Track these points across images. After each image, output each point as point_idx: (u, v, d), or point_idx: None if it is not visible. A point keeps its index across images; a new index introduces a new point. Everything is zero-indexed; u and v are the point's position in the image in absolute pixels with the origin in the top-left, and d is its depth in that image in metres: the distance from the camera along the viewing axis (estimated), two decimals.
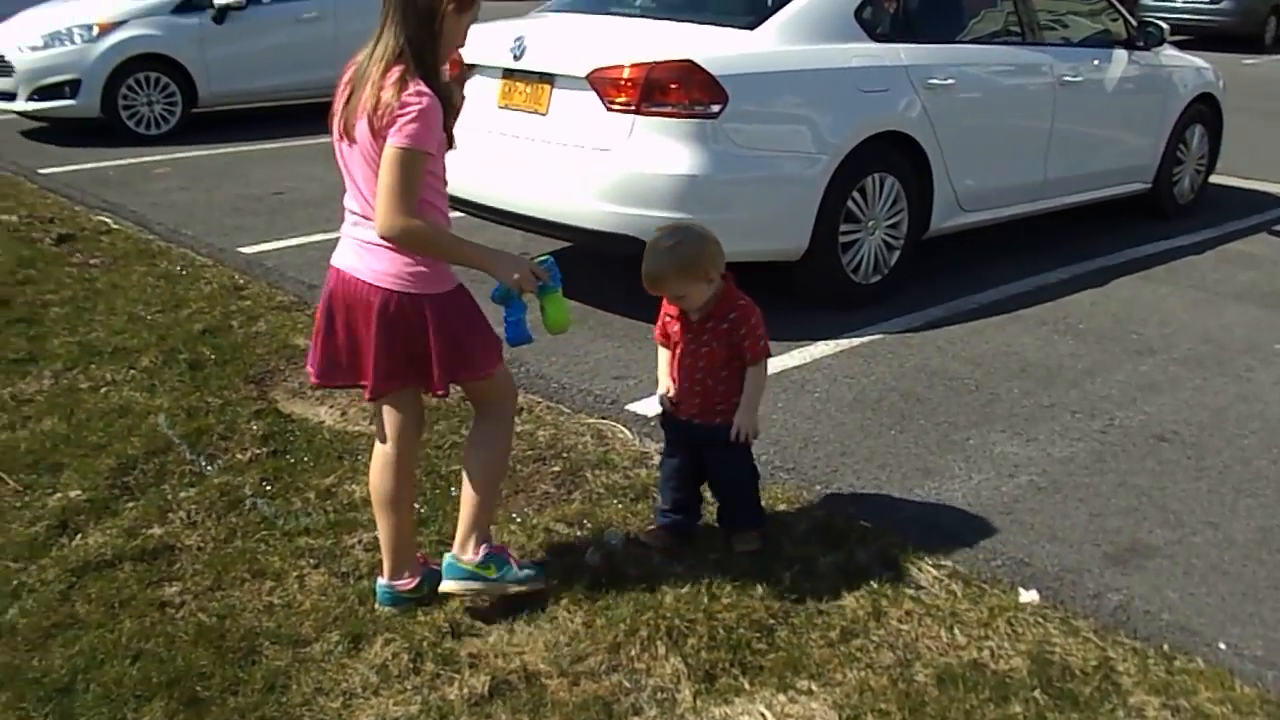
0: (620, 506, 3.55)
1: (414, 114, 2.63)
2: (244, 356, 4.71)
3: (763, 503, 3.48)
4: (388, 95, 2.65)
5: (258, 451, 3.88)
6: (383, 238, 2.71)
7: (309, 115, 10.92)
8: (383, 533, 3.02)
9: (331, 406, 4.29)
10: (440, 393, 2.92)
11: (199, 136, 9.71)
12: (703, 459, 3.33)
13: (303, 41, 10.52)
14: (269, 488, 3.65)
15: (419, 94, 2.64)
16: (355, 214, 2.86)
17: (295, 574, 3.17)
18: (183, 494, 3.59)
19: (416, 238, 2.72)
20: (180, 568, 3.20)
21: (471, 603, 3.01)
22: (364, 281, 2.80)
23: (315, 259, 6.19)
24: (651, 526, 3.40)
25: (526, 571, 3.05)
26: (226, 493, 3.59)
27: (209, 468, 3.76)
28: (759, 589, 3.12)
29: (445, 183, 2.90)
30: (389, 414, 2.98)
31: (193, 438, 3.95)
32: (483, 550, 2.97)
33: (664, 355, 3.36)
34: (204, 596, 3.06)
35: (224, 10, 9.93)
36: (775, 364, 4.75)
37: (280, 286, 5.71)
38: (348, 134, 2.77)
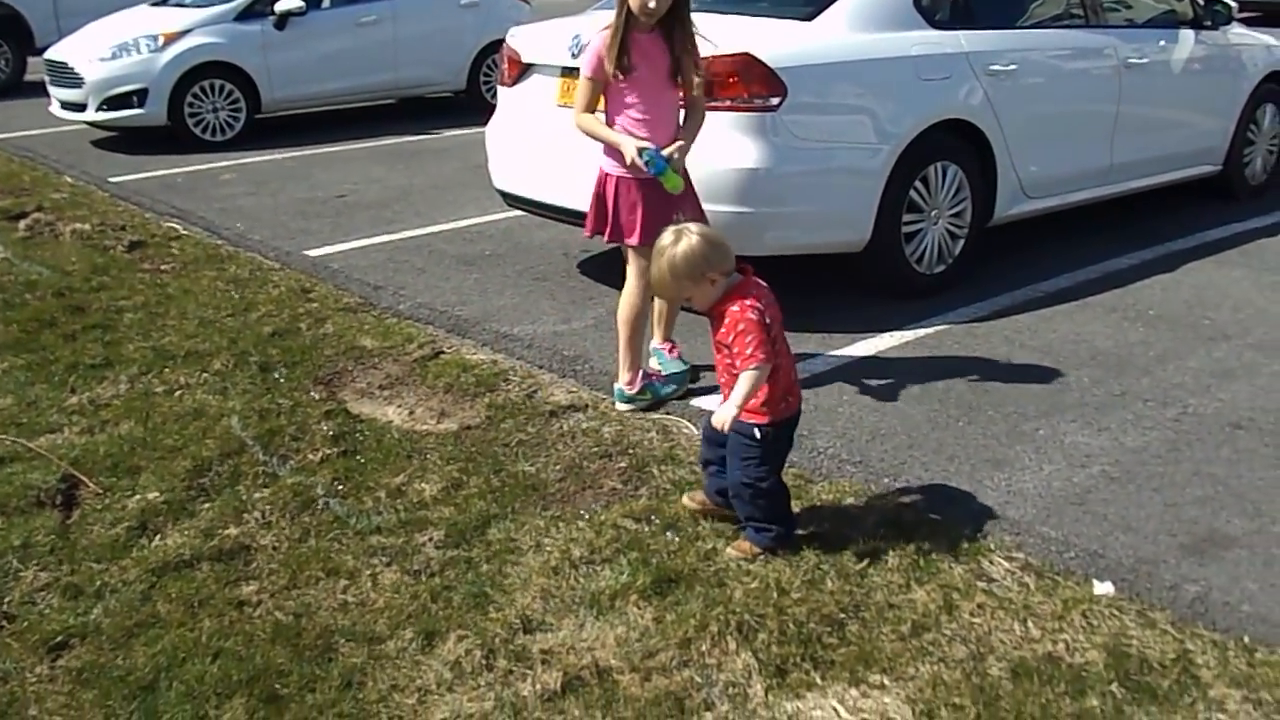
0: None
1: (590, 49, 4.04)
2: (313, 358, 4.79)
3: (832, 496, 3.46)
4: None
5: (329, 452, 3.94)
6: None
7: (369, 118, 11.12)
8: (622, 344, 4.22)
9: (400, 406, 4.34)
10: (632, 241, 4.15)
11: (263, 141, 9.88)
12: None
13: (362, 46, 10.67)
14: (340, 487, 3.70)
15: (601, 35, 4.00)
16: None
17: (368, 572, 3.21)
18: (257, 495, 3.65)
19: (585, 131, 4.16)
20: (256, 567, 3.26)
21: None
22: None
23: (379, 260, 6.27)
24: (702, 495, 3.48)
25: (670, 387, 4.33)
26: (299, 493, 3.65)
27: (282, 468, 3.83)
28: (828, 583, 3.11)
29: (645, 113, 4.07)
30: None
31: (265, 439, 4.02)
32: (640, 381, 4.24)
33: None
34: (280, 595, 3.11)
35: (285, 16, 10.09)
36: (840, 357, 4.75)
37: (346, 288, 5.78)
38: None
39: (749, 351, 3.09)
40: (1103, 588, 3.13)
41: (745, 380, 3.09)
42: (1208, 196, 7.25)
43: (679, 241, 3.15)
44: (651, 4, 3.89)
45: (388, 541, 3.37)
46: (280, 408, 4.29)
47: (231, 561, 3.28)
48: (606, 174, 4.15)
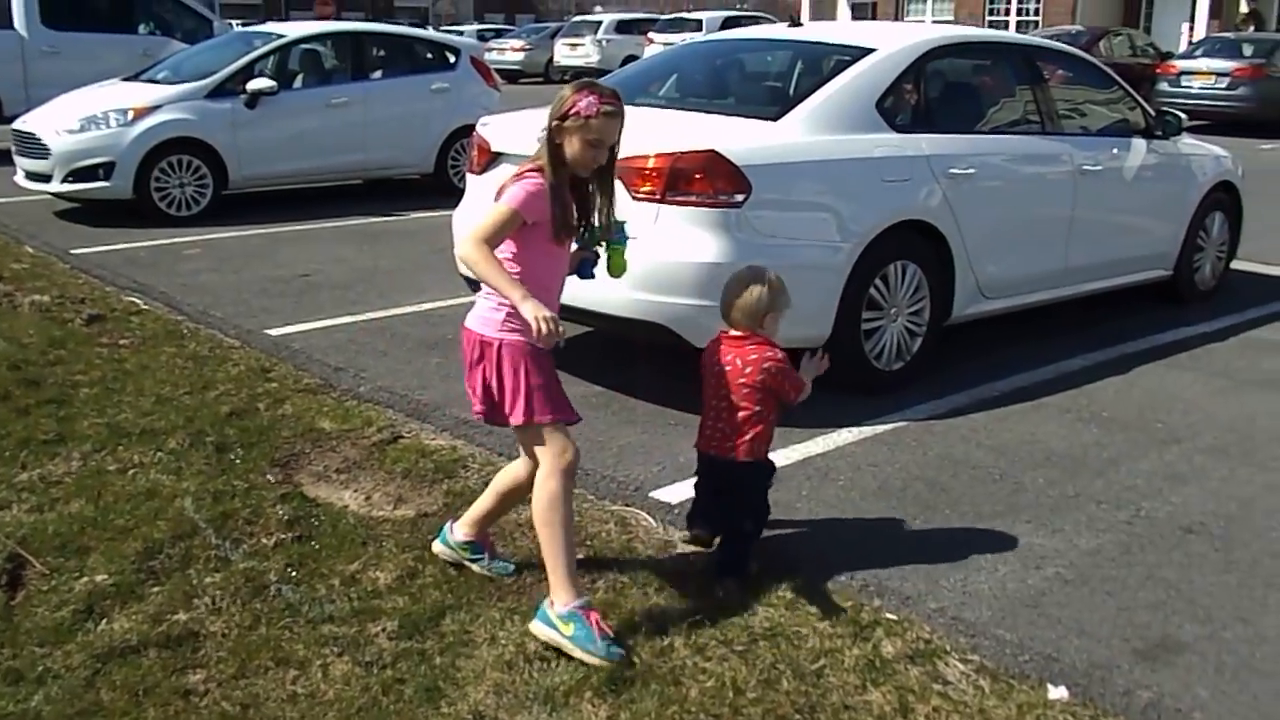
0: (644, 596, 3.53)
1: (521, 186, 3.23)
2: (270, 440, 4.75)
3: (789, 594, 3.47)
4: (511, 179, 3.30)
5: (283, 536, 3.89)
6: (459, 259, 3.41)
7: (337, 197, 11.16)
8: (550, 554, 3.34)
9: (356, 491, 4.31)
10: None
11: (229, 218, 9.89)
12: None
13: (332, 126, 10.77)
14: (293, 574, 3.65)
15: (533, 175, 3.25)
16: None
17: (319, 662, 3.16)
18: (208, 579, 3.60)
19: (476, 261, 3.17)
20: (204, 655, 3.20)
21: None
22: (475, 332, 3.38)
23: (341, 341, 6.26)
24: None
25: (605, 646, 3.16)
26: (251, 578, 3.60)
27: (234, 553, 3.78)
28: (784, 683, 3.09)
29: (552, 275, 3.40)
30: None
31: (218, 522, 3.97)
32: (570, 605, 3.23)
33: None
34: (228, 685, 3.05)
35: (256, 95, 10.17)
36: (800, 451, 4.77)
37: (306, 369, 5.76)
38: None
39: (795, 389, 3.73)
40: (1057, 692, 3.13)
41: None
42: (1159, 301, 7.41)
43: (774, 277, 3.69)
44: (599, 159, 3.33)
45: (340, 631, 3.32)
46: (235, 490, 4.24)
47: (179, 648, 3.22)
48: (485, 339, 3.34)
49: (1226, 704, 3.12)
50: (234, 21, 23.14)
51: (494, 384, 3.34)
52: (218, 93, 10.11)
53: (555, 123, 3.25)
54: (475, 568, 3.67)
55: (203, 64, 10.68)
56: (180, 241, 9.02)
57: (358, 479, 4.43)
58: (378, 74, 11.63)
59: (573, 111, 3.23)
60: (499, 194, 3.28)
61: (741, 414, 3.63)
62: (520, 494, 3.62)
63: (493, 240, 3.19)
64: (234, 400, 5.21)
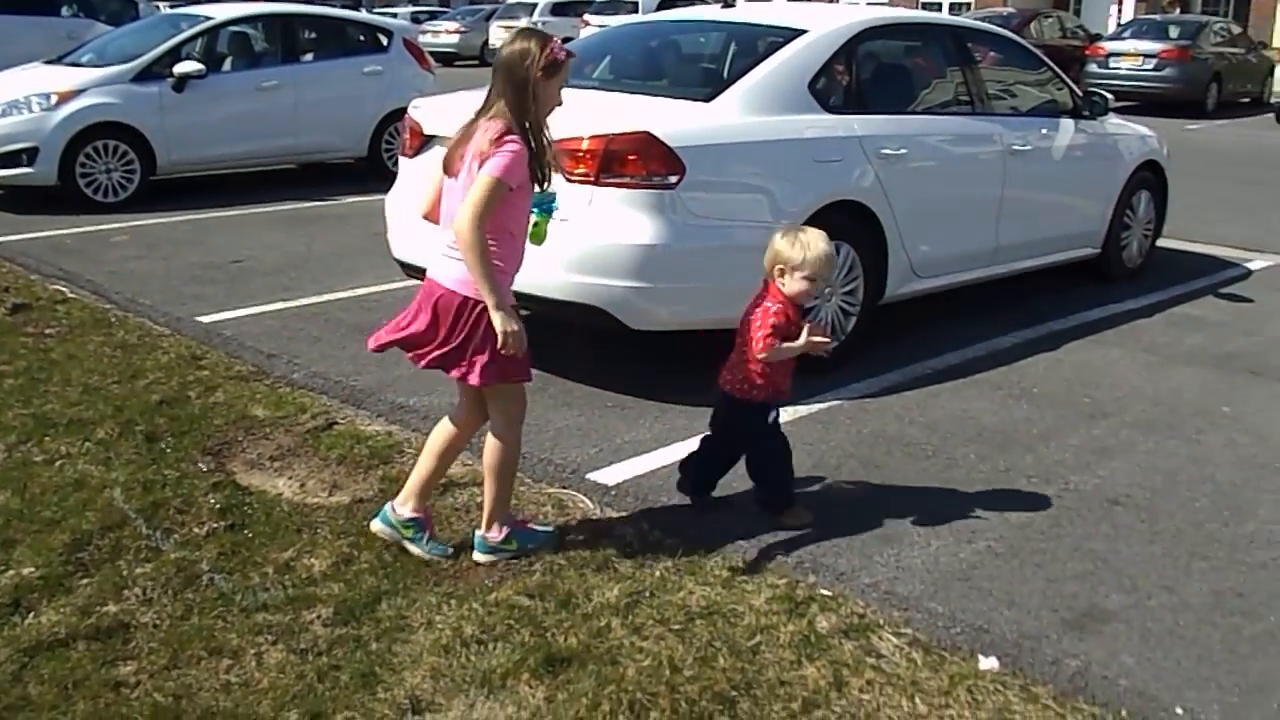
0: (581, 577, 3.54)
1: (504, 153, 3.28)
2: (201, 428, 4.69)
3: (725, 572, 3.50)
4: (487, 143, 3.30)
5: (215, 525, 3.85)
6: (455, 233, 3.33)
7: (269, 182, 11.00)
8: (486, 493, 3.67)
9: (290, 478, 4.27)
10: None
11: (158, 204, 9.70)
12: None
13: (263, 110, 10.59)
14: (226, 563, 3.61)
15: (512, 140, 3.30)
16: (451, 241, 3.41)
17: (253, 651, 3.13)
18: (138, 570, 3.54)
19: (471, 248, 3.28)
20: (135, 646, 3.15)
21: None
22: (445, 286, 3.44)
23: (274, 328, 6.19)
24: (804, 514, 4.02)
25: (538, 542, 3.69)
26: (183, 568, 3.55)
27: (165, 543, 3.72)
28: (721, 660, 3.12)
29: (522, 226, 3.50)
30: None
31: (149, 512, 3.92)
32: (504, 530, 3.65)
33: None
34: (160, 676, 3.01)
35: (184, 79, 9.97)
36: None
37: (239, 356, 5.69)
38: (449, 170, 3.45)
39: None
40: (987, 663, 3.19)
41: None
42: (1087, 278, 7.54)
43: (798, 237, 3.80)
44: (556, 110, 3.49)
45: (274, 619, 3.29)
46: (166, 479, 4.18)
47: (109, 640, 3.17)
48: (464, 297, 3.41)
49: (1151, 670, 3.20)
50: (160, 3, 22.68)
51: (460, 340, 3.44)
52: (144, 76, 9.90)
53: (539, 73, 3.35)
54: (414, 549, 3.68)
55: (128, 47, 10.44)
56: (107, 228, 8.83)
57: (292, 466, 4.39)
58: (309, 56, 11.45)
59: (554, 58, 3.38)
60: (479, 161, 3.31)
61: (742, 352, 3.88)
62: (456, 451, 3.80)
63: (489, 215, 3.30)
64: (164, 389, 5.13)
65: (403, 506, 3.70)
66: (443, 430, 3.74)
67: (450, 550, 3.70)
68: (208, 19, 10.70)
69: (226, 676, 3.02)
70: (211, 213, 9.54)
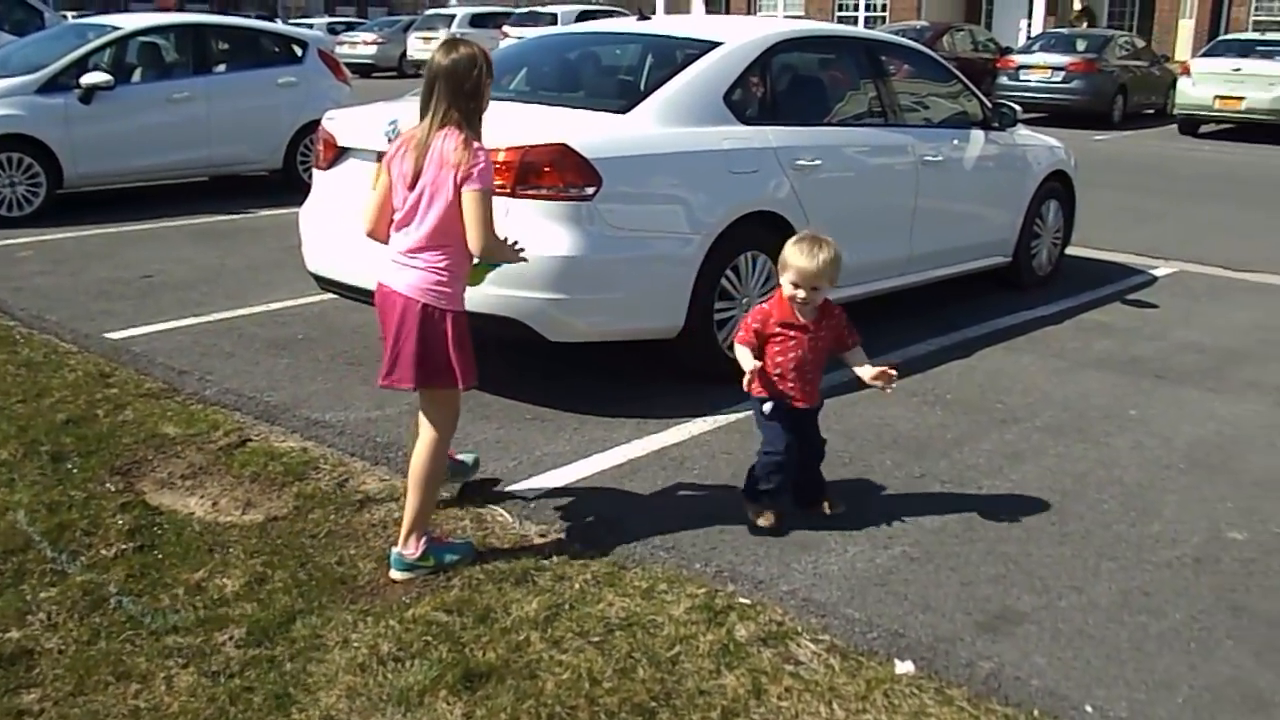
0: (500, 591, 3.52)
1: (483, 165, 3.44)
2: (110, 447, 4.58)
3: (645, 583, 3.51)
4: (458, 155, 3.42)
5: (124, 547, 3.76)
6: (481, 254, 3.54)
7: (181, 195, 10.80)
8: (409, 505, 3.64)
9: (202, 497, 4.18)
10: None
11: (65, 218, 9.47)
12: (806, 438, 4.07)
13: (174, 122, 10.41)
14: (135, 585, 3.53)
15: (481, 150, 3.46)
16: (409, 249, 3.56)
17: (163, 675, 3.06)
18: (43, 594, 3.45)
19: (497, 251, 3.59)
20: (40, 673, 3.06)
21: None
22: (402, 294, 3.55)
23: (185, 344, 6.07)
24: (766, 515, 4.03)
25: (456, 555, 3.69)
26: (90, 591, 3.46)
27: (71, 565, 3.63)
28: (640, 671, 3.12)
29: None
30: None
31: (54, 534, 3.81)
32: (421, 545, 3.63)
33: (753, 364, 3.95)
34: (65, 703, 2.93)
35: (91, 90, 9.76)
36: (656, 441, 4.81)
37: (149, 373, 5.56)
38: (410, 183, 3.51)
39: (854, 334, 4.11)
40: (903, 667, 3.23)
41: (861, 348, 4.11)
42: (999, 286, 7.69)
43: (828, 244, 3.89)
44: None
45: (185, 641, 3.22)
46: (72, 500, 4.08)
47: (12, 667, 3.08)
48: (423, 304, 3.53)
49: (1062, 670, 3.26)
50: (67, 13, 22.17)
51: (435, 351, 3.54)
52: (49, 87, 9.67)
53: (487, 79, 3.54)
54: (448, 561, 3.69)
55: (33, 57, 10.18)
56: (12, 243, 8.60)
57: (204, 485, 4.30)
58: (221, 68, 11.26)
59: (489, 63, 3.56)
60: (457, 172, 3.42)
61: None
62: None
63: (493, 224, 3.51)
64: (71, 407, 5.00)
65: (406, 548, 3.64)
66: (415, 460, 3.69)
67: (471, 540, 3.85)
68: (116, 29, 10.49)
69: (135, 701, 2.95)
70: (121, 226, 9.34)
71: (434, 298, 3.53)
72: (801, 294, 3.92)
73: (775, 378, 4.00)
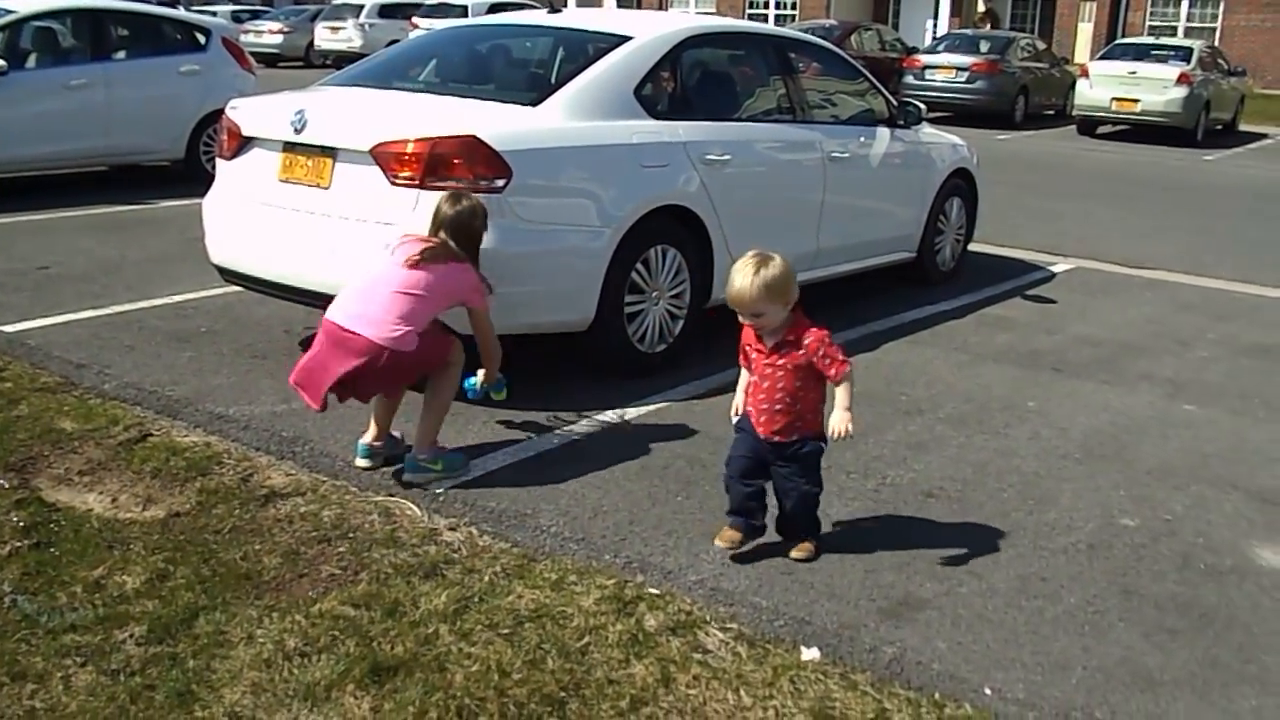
0: (409, 585, 3.50)
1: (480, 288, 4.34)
2: (3, 443, 4.45)
3: (555, 575, 3.50)
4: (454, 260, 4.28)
5: (18, 544, 3.65)
6: (495, 367, 4.50)
7: (79, 185, 10.51)
8: (425, 419, 4.36)
9: (101, 493, 4.09)
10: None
11: None
12: (772, 473, 3.81)
13: (71, 110, 10.11)
14: (31, 583, 3.43)
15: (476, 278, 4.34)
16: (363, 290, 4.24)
17: (60, 674, 2.99)
18: None
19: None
20: None
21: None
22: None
23: (83, 337, 5.91)
24: (730, 531, 3.83)
25: (457, 463, 4.38)
26: None
27: None
28: (549, 662, 3.13)
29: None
30: None
31: None
32: (431, 451, 4.30)
33: (744, 377, 3.89)
34: None
35: None
36: (564, 434, 4.82)
37: (44, 367, 5.41)
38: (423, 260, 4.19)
39: (841, 358, 3.71)
40: (809, 653, 3.29)
41: (847, 384, 3.74)
42: (904, 282, 7.84)
43: (768, 265, 3.61)
44: None
45: (83, 640, 3.15)
46: None
47: None
48: (396, 350, 4.09)
49: (962, 653, 3.34)
50: None
51: (369, 380, 4.15)
52: None
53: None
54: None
55: None
56: None
57: (103, 481, 4.20)
58: (121, 54, 10.97)
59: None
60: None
61: None
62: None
63: None
64: None
65: (421, 453, 4.30)
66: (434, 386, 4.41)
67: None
68: (9, 12, 10.15)
69: (31, 702, 2.88)
70: (16, 217, 9.05)
71: (405, 343, 4.15)
72: (741, 318, 3.74)
73: (746, 392, 3.89)
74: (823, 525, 4.05)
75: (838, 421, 3.71)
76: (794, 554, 3.84)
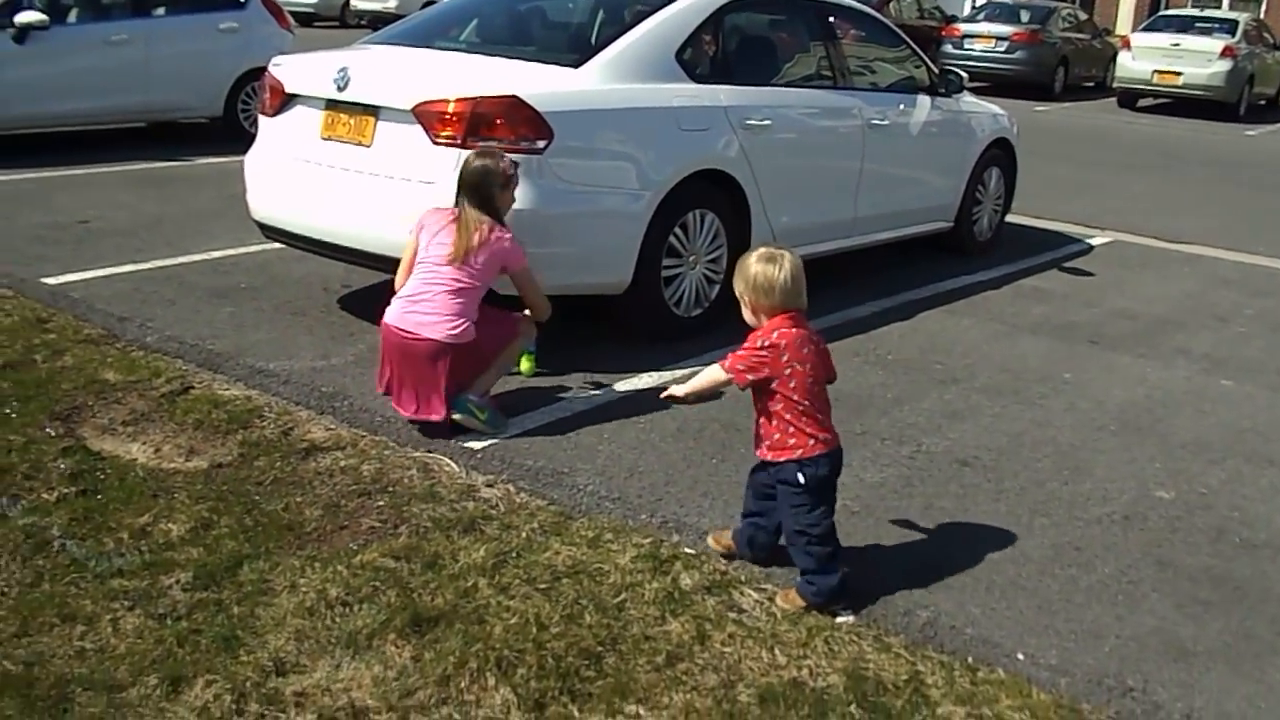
0: (448, 539, 3.55)
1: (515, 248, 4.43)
2: (49, 393, 4.52)
3: (591, 533, 3.54)
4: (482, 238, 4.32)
5: (66, 491, 3.72)
6: (545, 321, 4.68)
7: (118, 141, 10.57)
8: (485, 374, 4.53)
9: (145, 443, 4.15)
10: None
11: None
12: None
13: (111, 65, 10.13)
14: (79, 529, 3.50)
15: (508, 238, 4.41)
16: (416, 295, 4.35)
17: (109, 617, 3.05)
18: None
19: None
20: None
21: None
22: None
23: (125, 291, 5.98)
24: (725, 536, 3.64)
25: (501, 419, 4.46)
26: (32, 534, 3.44)
27: (12, 509, 3.59)
28: (587, 617, 3.17)
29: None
30: None
31: None
32: (485, 399, 4.43)
33: None
34: (9, 644, 2.92)
35: (25, 29, 9.48)
36: (601, 394, 4.85)
37: (88, 319, 5.48)
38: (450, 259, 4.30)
39: (741, 367, 3.38)
40: (844, 616, 3.31)
41: (707, 371, 3.52)
42: (940, 251, 7.80)
43: (750, 259, 3.46)
44: None
45: (130, 585, 3.21)
46: (11, 444, 4.02)
47: None
48: (453, 344, 4.27)
49: (995, 619, 3.36)
50: None
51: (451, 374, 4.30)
52: None
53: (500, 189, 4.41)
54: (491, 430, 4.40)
55: None
56: None
57: (146, 431, 4.27)
58: (161, 11, 10.98)
59: (508, 175, 4.42)
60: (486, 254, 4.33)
61: None
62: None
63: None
64: (7, 352, 4.92)
65: (478, 395, 4.42)
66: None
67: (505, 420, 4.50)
68: None
69: (81, 643, 2.95)
70: (57, 171, 9.12)
71: (466, 336, 4.35)
72: (743, 301, 3.51)
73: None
74: (854, 488, 4.05)
75: (673, 384, 3.65)
76: (778, 600, 3.36)
